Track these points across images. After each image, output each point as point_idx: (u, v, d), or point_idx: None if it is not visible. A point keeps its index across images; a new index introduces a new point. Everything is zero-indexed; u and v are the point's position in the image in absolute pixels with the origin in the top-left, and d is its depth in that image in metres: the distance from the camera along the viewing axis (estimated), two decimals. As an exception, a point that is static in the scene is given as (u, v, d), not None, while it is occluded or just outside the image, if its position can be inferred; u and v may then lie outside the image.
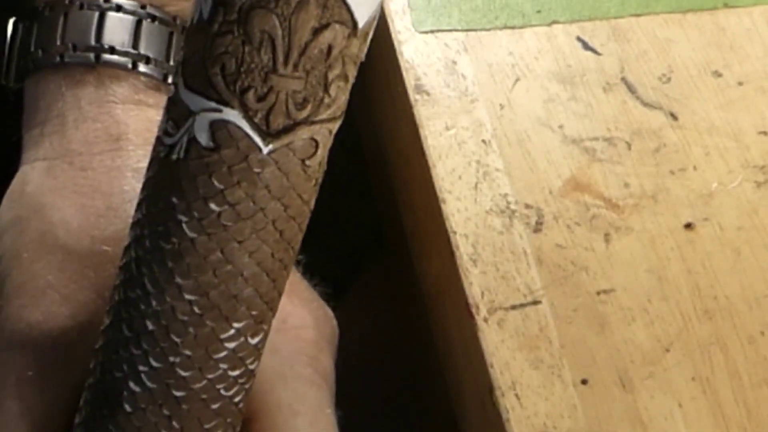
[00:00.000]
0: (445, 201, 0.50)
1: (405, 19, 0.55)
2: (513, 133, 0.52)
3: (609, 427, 0.45)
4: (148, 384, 0.38)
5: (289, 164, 0.35)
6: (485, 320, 0.47)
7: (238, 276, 0.36)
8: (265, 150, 0.34)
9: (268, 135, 0.34)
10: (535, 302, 0.48)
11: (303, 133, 0.35)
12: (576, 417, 0.45)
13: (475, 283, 0.48)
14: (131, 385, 0.38)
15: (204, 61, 0.34)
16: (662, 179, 0.51)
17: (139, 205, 0.37)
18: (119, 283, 0.38)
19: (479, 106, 0.53)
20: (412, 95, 0.53)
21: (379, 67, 0.57)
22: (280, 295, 0.38)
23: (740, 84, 0.54)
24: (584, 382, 0.46)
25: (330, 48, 0.33)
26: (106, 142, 0.46)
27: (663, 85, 0.54)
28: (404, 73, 0.53)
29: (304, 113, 0.34)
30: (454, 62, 0.54)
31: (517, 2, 0.56)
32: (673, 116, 0.53)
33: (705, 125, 0.53)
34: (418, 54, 0.54)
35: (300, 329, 0.45)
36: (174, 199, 0.35)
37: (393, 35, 0.55)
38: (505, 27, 0.55)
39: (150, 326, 0.37)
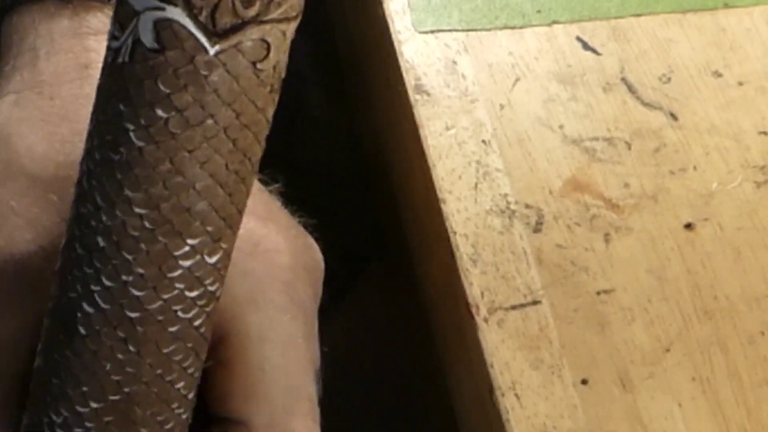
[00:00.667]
0: (445, 201, 0.50)
1: (405, 19, 0.55)
2: (513, 133, 0.52)
3: (609, 427, 0.45)
4: (102, 305, 0.36)
5: (239, 67, 0.33)
6: (485, 320, 0.47)
7: (190, 188, 0.34)
8: (212, 51, 0.32)
9: (214, 35, 0.32)
10: (535, 302, 0.48)
11: (252, 34, 0.33)
12: (576, 417, 0.45)
13: (475, 283, 0.48)
14: (85, 306, 0.36)
15: None
16: (662, 179, 0.51)
17: (91, 116, 0.36)
18: (73, 200, 0.36)
19: (479, 106, 0.53)
20: (412, 95, 0.53)
21: (379, 67, 0.57)
22: (240, 212, 0.36)
23: (740, 84, 0.54)
24: (584, 382, 0.46)
25: None
26: (75, 71, 0.45)
27: (663, 85, 0.54)
28: (404, 73, 0.53)
29: (252, 11, 0.32)
30: (454, 62, 0.54)
31: (517, 2, 0.56)
32: (673, 116, 0.53)
33: (705, 125, 0.53)
34: (418, 54, 0.54)
35: (274, 253, 0.43)
36: (121, 106, 0.34)
37: (393, 35, 0.55)
38: (505, 27, 0.55)
39: (101, 243, 0.35)
